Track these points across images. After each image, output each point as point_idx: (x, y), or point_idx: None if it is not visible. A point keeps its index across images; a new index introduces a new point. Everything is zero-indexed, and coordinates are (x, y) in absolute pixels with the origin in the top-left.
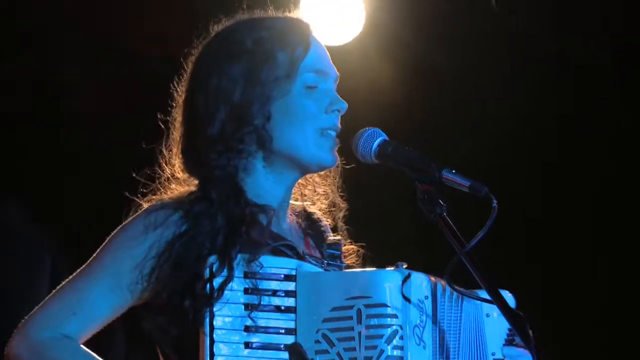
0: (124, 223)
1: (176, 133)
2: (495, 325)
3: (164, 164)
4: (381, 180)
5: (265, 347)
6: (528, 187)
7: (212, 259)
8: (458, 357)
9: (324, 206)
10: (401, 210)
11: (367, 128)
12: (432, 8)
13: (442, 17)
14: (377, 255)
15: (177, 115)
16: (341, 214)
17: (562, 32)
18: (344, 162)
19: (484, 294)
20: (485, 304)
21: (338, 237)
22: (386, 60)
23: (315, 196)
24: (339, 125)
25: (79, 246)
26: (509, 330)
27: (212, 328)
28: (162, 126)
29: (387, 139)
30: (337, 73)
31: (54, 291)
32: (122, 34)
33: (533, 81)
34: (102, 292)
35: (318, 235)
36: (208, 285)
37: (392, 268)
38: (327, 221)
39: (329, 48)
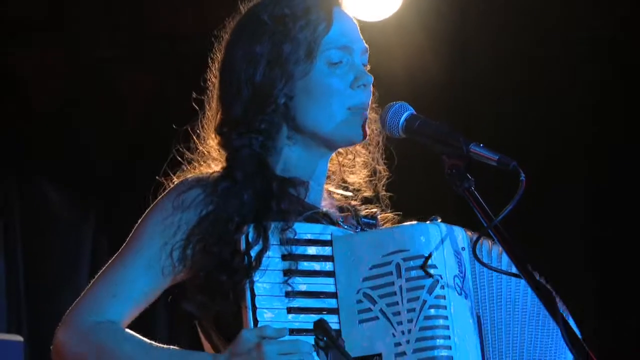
0: (153, 203)
1: (209, 113)
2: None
3: (199, 144)
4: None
5: (307, 311)
6: (569, 165)
7: (247, 228)
8: (500, 310)
9: (363, 176)
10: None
11: (394, 102)
12: None
13: None
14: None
15: (212, 94)
16: (382, 182)
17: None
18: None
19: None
20: None
21: (374, 210)
22: (425, 36)
23: (356, 166)
24: (368, 100)
25: (118, 229)
26: None
27: (253, 296)
28: (196, 107)
29: (415, 112)
30: (365, 45)
31: (92, 281)
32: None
33: (574, 56)
34: (138, 272)
35: (353, 212)
36: (245, 257)
37: (427, 222)
38: (367, 192)
39: (368, 24)
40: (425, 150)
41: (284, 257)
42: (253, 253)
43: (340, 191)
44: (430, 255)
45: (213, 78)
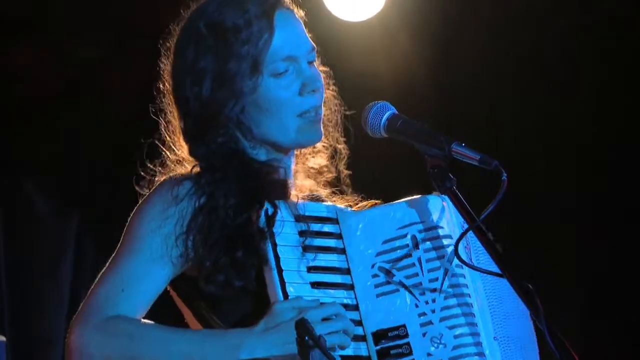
0: (144, 199)
1: (172, 120)
2: None
3: (169, 152)
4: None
5: (327, 285)
6: (554, 162)
7: (251, 204)
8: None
9: (323, 160)
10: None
11: (376, 102)
12: None
13: None
14: None
15: (169, 102)
16: (343, 162)
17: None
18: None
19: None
20: None
21: (349, 204)
22: (408, 36)
23: (315, 149)
24: (319, 103)
25: (102, 228)
26: None
27: (279, 270)
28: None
29: (397, 112)
30: (311, 44)
31: (95, 282)
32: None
33: (561, 54)
34: (143, 266)
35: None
36: (259, 222)
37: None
38: (328, 175)
39: (351, 24)
40: (407, 149)
41: (300, 234)
42: (264, 217)
43: (306, 182)
44: (444, 226)
45: (166, 85)
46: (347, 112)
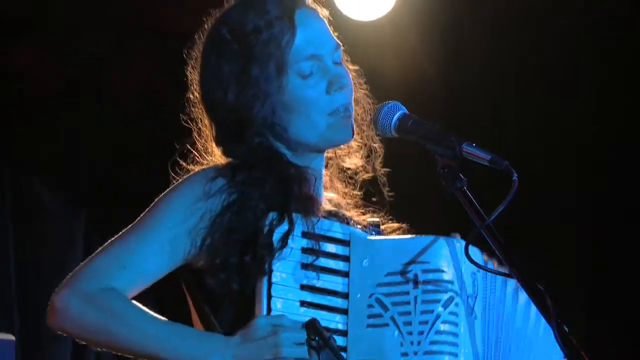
0: (176, 185)
1: (204, 128)
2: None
3: (201, 157)
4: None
5: (318, 307)
6: (559, 164)
7: (271, 215)
8: (505, 336)
9: (360, 157)
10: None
11: (387, 102)
12: None
13: None
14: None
15: (198, 110)
16: (379, 160)
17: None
18: None
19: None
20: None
21: (376, 219)
22: (418, 36)
23: (350, 150)
24: (348, 100)
25: (109, 226)
26: None
27: (269, 283)
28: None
29: (407, 112)
30: (336, 42)
31: (100, 248)
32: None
33: (563, 54)
34: (155, 249)
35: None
36: (272, 236)
37: (449, 237)
38: (364, 175)
39: (361, 23)
40: (418, 149)
41: (304, 250)
42: (279, 233)
43: (334, 195)
44: (449, 271)
45: (195, 94)
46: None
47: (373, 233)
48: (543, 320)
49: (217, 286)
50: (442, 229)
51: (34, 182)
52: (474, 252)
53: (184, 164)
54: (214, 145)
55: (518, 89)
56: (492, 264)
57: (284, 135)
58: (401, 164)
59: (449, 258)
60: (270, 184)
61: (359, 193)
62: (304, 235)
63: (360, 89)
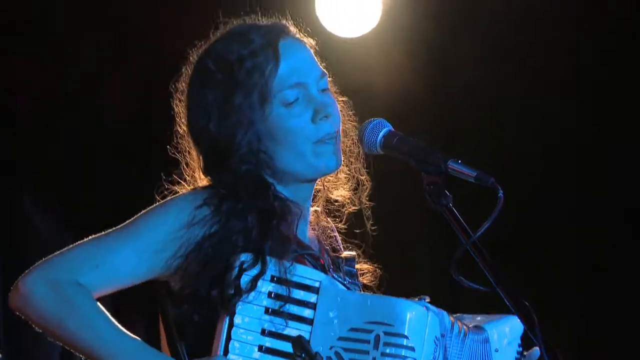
0: (164, 202)
1: (191, 160)
2: (503, 357)
3: (189, 184)
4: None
5: (277, 353)
6: (545, 176)
7: (244, 256)
8: None
9: (347, 189)
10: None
11: (372, 119)
12: (448, 0)
13: (457, 9)
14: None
15: (186, 143)
16: (366, 194)
17: (583, 24)
18: None
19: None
20: (492, 340)
21: (352, 253)
22: (402, 53)
23: (338, 181)
24: (334, 129)
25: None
26: (517, 354)
27: (231, 325)
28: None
29: (393, 129)
30: (321, 70)
31: (77, 243)
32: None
33: (555, 72)
34: (130, 256)
35: (331, 244)
36: (242, 277)
37: (416, 299)
38: (350, 208)
39: (347, 40)
40: (404, 165)
41: (269, 294)
42: (249, 275)
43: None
44: (411, 337)
45: (183, 127)
46: None
47: (347, 280)
48: None
49: (179, 315)
50: (428, 245)
51: (21, 201)
52: (442, 316)
53: (171, 186)
54: (201, 175)
55: (507, 101)
56: (458, 324)
57: (269, 163)
58: (386, 180)
59: (413, 323)
60: (253, 217)
61: (343, 226)
62: (273, 279)
63: (349, 121)
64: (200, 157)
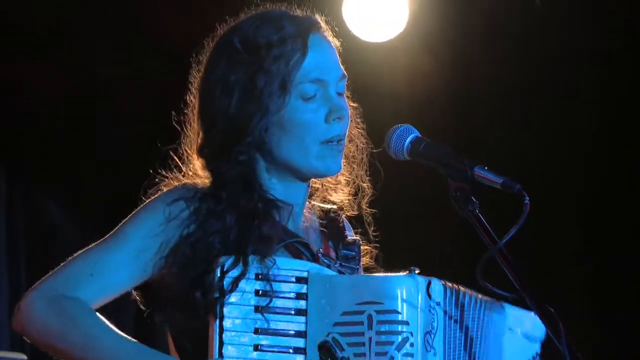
0: (144, 205)
1: (191, 133)
2: (517, 343)
3: (183, 165)
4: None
5: (274, 349)
6: (567, 182)
7: (223, 259)
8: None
9: (346, 193)
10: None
11: (399, 125)
12: (474, 5)
13: (483, 15)
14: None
15: (192, 114)
16: (365, 200)
17: (602, 26)
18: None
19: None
20: (510, 316)
21: (355, 237)
22: (428, 58)
23: (338, 184)
24: (343, 132)
25: None
26: (536, 354)
27: (221, 330)
28: (178, 127)
29: (420, 135)
30: (342, 72)
31: (70, 258)
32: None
33: (576, 75)
34: (120, 261)
35: (336, 232)
36: (224, 279)
37: (405, 273)
38: (348, 212)
39: (372, 45)
40: (430, 171)
41: (257, 293)
42: (231, 276)
43: (324, 205)
44: (403, 311)
45: (192, 98)
46: (374, 150)
47: (339, 263)
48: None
49: (164, 320)
50: (451, 251)
51: (46, 201)
52: (435, 284)
53: (163, 171)
54: (195, 155)
55: (530, 107)
56: (455, 290)
57: (270, 155)
58: (413, 185)
59: (404, 297)
60: (232, 217)
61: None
62: (257, 277)
63: (357, 127)
64: (201, 134)
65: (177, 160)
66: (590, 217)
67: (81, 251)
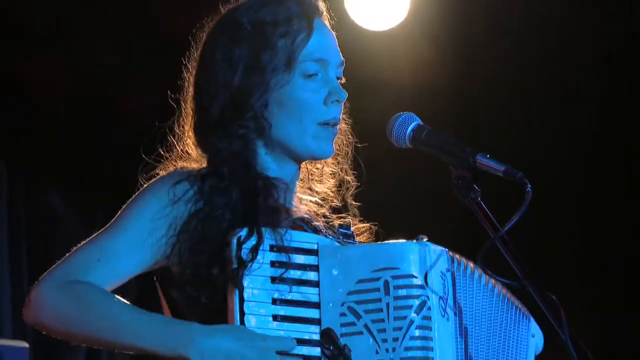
0: (143, 189)
1: (186, 111)
2: (532, 351)
3: (177, 143)
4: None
5: (292, 319)
6: (568, 173)
7: (237, 230)
8: (480, 336)
9: (331, 185)
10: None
11: (401, 113)
12: None
13: (484, 4)
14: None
15: (188, 93)
16: (350, 193)
17: (605, 22)
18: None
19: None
20: (533, 325)
21: (347, 220)
22: (429, 47)
23: (323, 175)
24: (339, 115)
25: None
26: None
27: (241, 300)
28: (174, 104)
29: (422, 123)
30: (342, 58)
31: (75, 248)
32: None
33: (577, 67)
34: (126, 245)
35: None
36: (241, 249)
37: (415, 241)
38: (334, 202)
39: (374, 34)
40: (433, 159)
41: (272, 264)
42: (247, 247)
43: (310, 197)
44: (419, 275)
45: (190, 76)
46: (359, 145)
47: (342, 238)
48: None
49: (185, 299)
50: (453, 239)
51: (48, 192)
52: (443, 253)
53: (162, 151)
54: (190, 133)
55: (531, 97)
56: (472, 266)
57: (267, 132)
58: (415, 174)
59: (418, 262)
60: (236, 194)
61: (331, 195)
62: (272, 248)
63: (344, 121)
64: (198, 112)
65: (173, 140)
66: (590, 217)
67: (85, 240)
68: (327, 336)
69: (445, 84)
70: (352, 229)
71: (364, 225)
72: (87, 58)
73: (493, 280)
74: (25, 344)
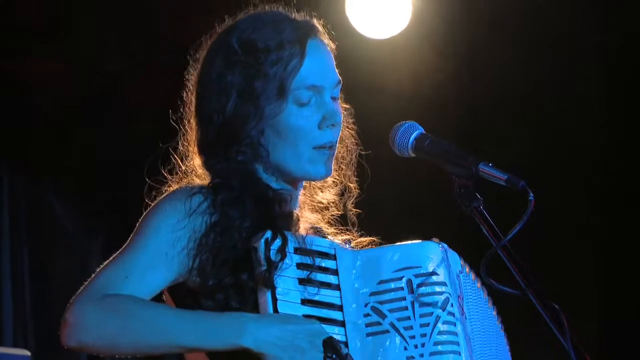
0: (156, 203)
1: (189, 130)
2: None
3: (181, 162)
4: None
5: (319, 320)
6: (570, 179)
7: (262, 232)
8: (477, 343)
9: (333, 193)
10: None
11: (404, 122)
12: (478, 1)
13: (486, 12)
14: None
15: (190, 111)
16: (352, 200)
17: (605, 22)
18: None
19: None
20: None
21: (347, 237)
22: (431, 55)
23: (325, 184)
24: (336, 138)
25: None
26: None
27: (274, 300)
28: (176, 125)
29: (424, 132)
30: (338, 77)
31: (99, 269)
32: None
33: (585, 70)
34: (150, 260)
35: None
36: (269, 250)
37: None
38: (335, 212)
39: (376, 41)
40: (435, 169)
41: (298, 266)
42: (275, 247)
43: (310, 215)
44: (441, 273)
45: (190, 94)
46: (363, 152)
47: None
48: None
49: (214, 307)
50: (453, 246)
51: (49, 200)
52: (456, 256)
53: (163, 172)
54: (195, 151)
55: (533, 104)
56: (464, 265)
57: (265, 158)
58: (417, 182)
59: (438, 260)
60: (250, 204)
61: (331, 212)
62: (296, 251)
63: (348, 128)
64: (199, 131)
65: (177, 159)
66: (591, 217)
67: (107, 261)
68: (330, 345)
69: (447, 91)
70: (352, 244)
71: (365, 239)
72: (88, 59)
73: (485, 290)
74: (27, 352)
